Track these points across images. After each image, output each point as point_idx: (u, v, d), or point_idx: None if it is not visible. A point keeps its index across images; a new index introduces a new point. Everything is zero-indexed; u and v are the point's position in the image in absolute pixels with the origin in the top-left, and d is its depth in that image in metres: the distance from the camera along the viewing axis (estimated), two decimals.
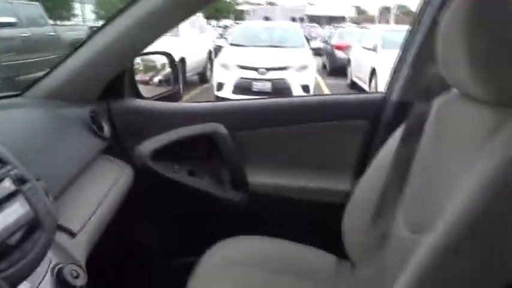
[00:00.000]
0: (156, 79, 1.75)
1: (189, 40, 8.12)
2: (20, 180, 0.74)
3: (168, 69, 1.68)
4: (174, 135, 1.39)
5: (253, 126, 1.41)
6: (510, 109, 0.78)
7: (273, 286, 1.13)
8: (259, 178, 1.42)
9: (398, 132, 1.10)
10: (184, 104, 1.53)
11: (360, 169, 1.31)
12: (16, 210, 0.70)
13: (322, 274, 1.19)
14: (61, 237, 0.89)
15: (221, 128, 1.39)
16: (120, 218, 1.23)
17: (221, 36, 15.89)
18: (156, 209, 1.45)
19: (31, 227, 0.71)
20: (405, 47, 1.37)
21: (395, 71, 1.39)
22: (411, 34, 1.37)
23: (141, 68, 1.64)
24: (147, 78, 1.73)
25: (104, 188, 1.16)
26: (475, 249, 0.74)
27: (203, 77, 9.25)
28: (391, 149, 1.08)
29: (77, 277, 0.78)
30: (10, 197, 0.70)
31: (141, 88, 1.52)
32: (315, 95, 4.20)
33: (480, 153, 0.78)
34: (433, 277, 0.74)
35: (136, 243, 1.45)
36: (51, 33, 8.91)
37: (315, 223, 1.38)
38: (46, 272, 0.75)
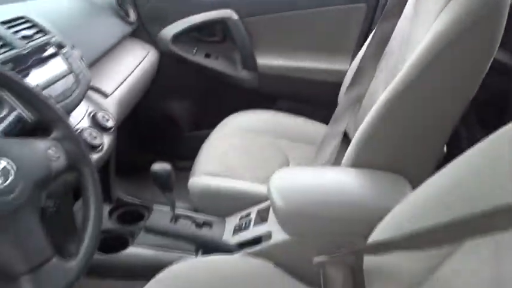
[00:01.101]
0: None
1: None
2: (59, 46, 0.98)
3: None
4: (192, 20, 1.56)
5: (261, 12, 1.55)
6: None
7: (270, 146, 1.35)
8: (267, 59, 1.59)
9: None
10: None
11: (358, 50, 1.45)
12: (56, 66, 0.94)
13: (315, 139, 1.40)
14: (95, 96, 1.14)
15: (233, 14, 1.54)
16: (148, 93, 1.48)
17: None
18: (178, 87, 1.68)
19: (69, 79, 0.95)
20: None
21: None
22: None
23: None
24: None
25: (132, 64, 1.39)
26: (407, 108, 0.88)
27: None
28: None
29: (107, 120, 1.03)
30: (51, 57, 0.94)
31: None
32: None
33: (435, 21, 0.90)
34: (378, 126, 0.90)
35: (163, 116, 1.71)
36: None
37: (316, 99, 1.57)
38: (84, 115, 1.01)
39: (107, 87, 1.20)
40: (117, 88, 1.23)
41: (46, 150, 0.66)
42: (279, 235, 0.91)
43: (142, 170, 1.50)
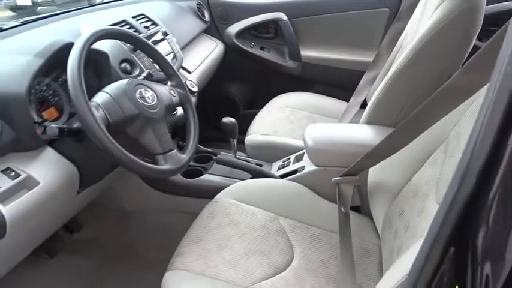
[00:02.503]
0: None
1: None
2: (164, 33, 1.44)
3: None
4: (250, 21, 2.01)
5: (305, 14, 1.97)
6: None
7: (306, 119, 1.75)
8: (309, 52, 2.01)
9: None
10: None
11: None
12: (164, 47, 1.39)
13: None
14: (184, 73, 1.59)
15: (283, 16, 1.97)
16: (215, 77, 1.92)
17: None
18: (238, 73, 2.13)
19: (171, 56, 1.40)
20: None
21: None
22: None
23: None
24: None
25: (206, 52, 1.84)
26: (407, 81, 1.18)
27: None
28: None
29: (193, 87, 1.48)
30: (161, 40, 1.40)
31: None
32: None
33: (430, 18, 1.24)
34: (386, 94, 1.20)
35: (225, 96, 2.16)
36: None
37: (346, 84, 1.95)
38: None
39: (189, 67, 1.65)
40: (196, 68, 1.68)
41: (169, 91, 1.10)
42: (309, 167, 1.31)
43: (208, 137, 1.95)
